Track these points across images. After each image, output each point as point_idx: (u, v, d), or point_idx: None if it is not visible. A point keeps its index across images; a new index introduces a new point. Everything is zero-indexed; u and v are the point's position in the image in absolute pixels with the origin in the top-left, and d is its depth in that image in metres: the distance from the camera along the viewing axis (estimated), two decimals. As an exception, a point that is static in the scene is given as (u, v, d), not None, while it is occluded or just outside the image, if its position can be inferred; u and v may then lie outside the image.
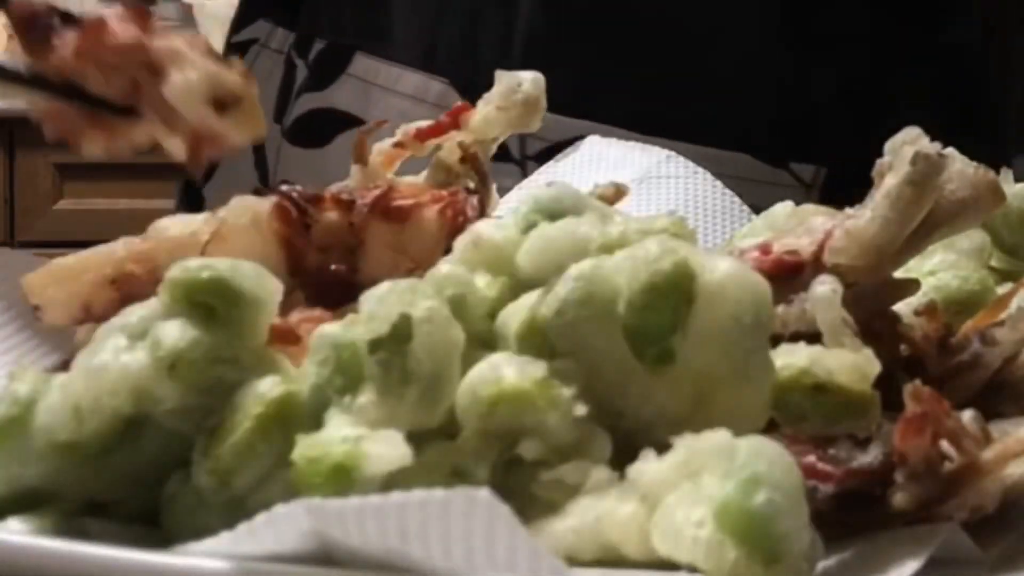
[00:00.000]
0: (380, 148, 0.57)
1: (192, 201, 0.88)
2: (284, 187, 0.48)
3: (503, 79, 0.56)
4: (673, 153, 0.65)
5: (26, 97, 0.55)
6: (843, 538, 0.39)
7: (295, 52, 0.84)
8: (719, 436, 0.35)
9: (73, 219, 2.02)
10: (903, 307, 0.44)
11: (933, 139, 0.43)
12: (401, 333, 0.37)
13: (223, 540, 0.35)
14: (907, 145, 0.42)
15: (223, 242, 0.46)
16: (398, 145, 0.57)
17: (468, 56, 0.76)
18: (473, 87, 0.77)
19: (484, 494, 0.31)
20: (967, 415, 0.39)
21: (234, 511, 0.37)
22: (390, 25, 0.80)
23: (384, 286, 0.38)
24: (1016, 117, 0.76)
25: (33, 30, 0.55)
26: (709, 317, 0.37)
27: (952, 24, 0.73)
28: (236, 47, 0.87)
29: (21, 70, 0.55)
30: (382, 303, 0.37)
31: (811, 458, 0.40)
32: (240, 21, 0.88)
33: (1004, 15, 0.74)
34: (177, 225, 0.47)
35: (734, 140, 0.69)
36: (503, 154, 0.72)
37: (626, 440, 0.38)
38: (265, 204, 0.48)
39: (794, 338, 0.41)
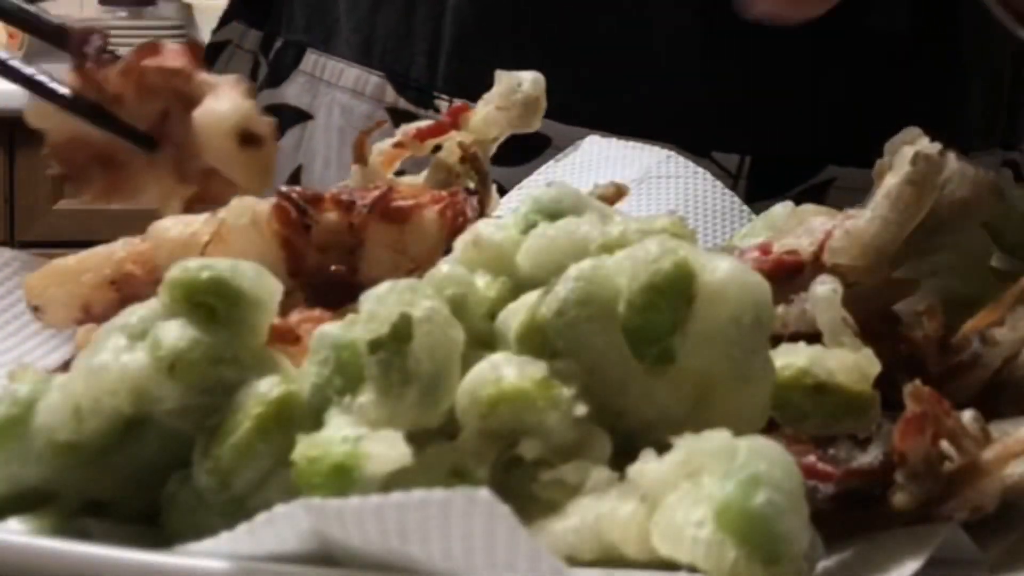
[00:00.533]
0: (380, 148, 0.57)
1: None
2: (284, 188, 0.48)
3: (502, 79, 0.56)
4: (673, 153, 0.65)
5: (48, 124, 0.55)
6: (843, 538, 0.39)
7: (260, 51, 0.86)
8: (719, 436, 0.35)
9: (73, 219, 2.02)
10: (903, 307, 0.44)
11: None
12: (401, 333, 0.37)
13: (223, 540, 0.35)
14: (907, 145, 0.42)
15: (223, 243, 0.46)
16: (398, 145, 0.57)
17: (402, 49, 0.78)
18: (407, 81, 0.78)
19: (484, 494, 0.31)
20: (967, 415, 0.39)
21: (234, 511, 0.37)
22: (336, 22, 0.81)
23: (384, 286, 0.38)
24: (979, 112, 0.76)
25: (86, 44, 0.55)
26: (709, 317, 0.37)
27: (877, 9, 0.72)
28: (212, 48, 0.88)
29: (60, 89, 0.55)
30: (382, 303, 0.37)
31: (811, 458, 0.40)
32: (219, 23, 0.89)
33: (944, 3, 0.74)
34: (177, 226, 0.47)
35: (657, 130, 0.69)
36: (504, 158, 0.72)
37: (626, 440, 0.38)
38: (265, 205, 0.48)
39: (794, 338, 0.41)
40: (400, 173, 0.57)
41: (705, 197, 0.63)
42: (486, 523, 0.31)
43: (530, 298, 0.39)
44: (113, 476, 0.39)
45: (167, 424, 0.38)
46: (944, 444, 0.39)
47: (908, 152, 0.42)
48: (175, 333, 0.37)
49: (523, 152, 0.71)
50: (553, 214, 0.42)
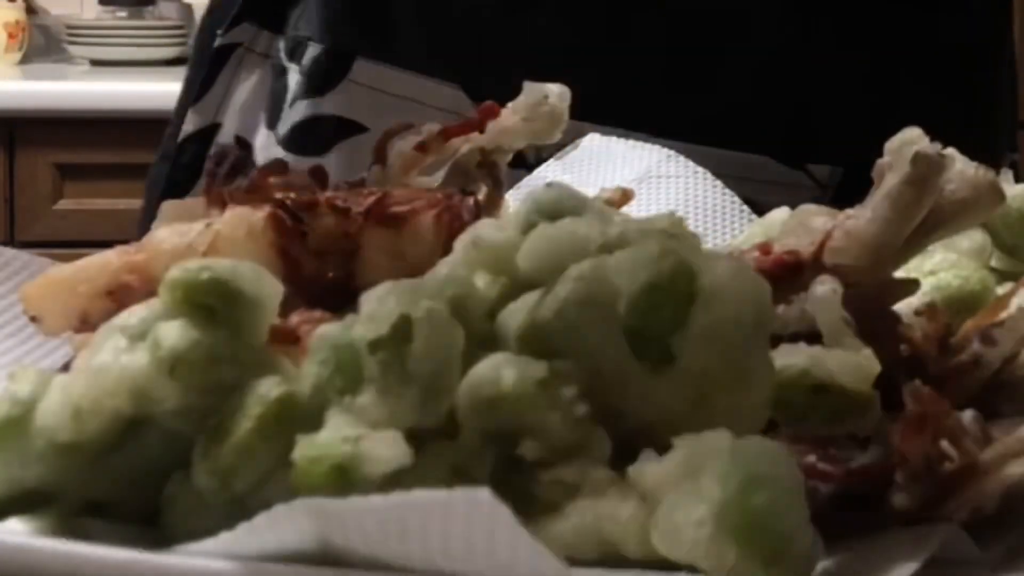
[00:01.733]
0: (400, 151, 0.57)
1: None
2: (279, 195, 0.48)
3: (530, 90, 0.56)
4: (673, 152, 0.65)
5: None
6: (843, 538, 0.39)
7: (286, 57, 0.82)
8: (719, 436, 0.35)
9: (73, 219, 2.02)
10: (903, 307, 0.44)
11: (943, 138, 0.43)
12: (401, 333, 0.37)
13: (223, 540, 0.35)
14: (907, 145, 0.42)
15: (218, 254, 0.46)
16: (420, 147, 0.57)
17: (482, 61, 0.74)
18: (484, 91, 0.75)
19: (485, 494, 0.31)
20: (967, 415, 0.39)
21: (234, 511, 0.37)
22: (392, 29, 0.78)
23: (384, 286, 0.38)
24: (1007, 114, 0.76)
25: (220, 164, 0.54)
26: (709, 317, 0.37)
27: (956, 23, 0.73)
28: (220, 51, 0.84)
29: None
30: (382, 303, 0.37)
31: (811, 458, 0.40)
32: (223, 24, 0.85)
33: (1000, 12, 0.74)
34: (172, 237, 0.47)
35: (752, 142, 0.69)
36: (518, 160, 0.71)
37: (626, 440, 0.38)
38: (260, 214, 0.47)
39: (794, 338, 0.41)
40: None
41: (706, 197, 0.63)
42: (487, 523, 0.31)
43: (530, 298, 0.39)
44: (113, 477, 0.39)
45: (167, 425, 0.38)
46: (944, 444, 0.39)
47: (908, 152, 0.42)
48: (175, 334, 0.37)
49: None
50: (553, 214, 0.42)
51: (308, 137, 0.80)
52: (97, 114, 1.99)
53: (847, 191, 0.71)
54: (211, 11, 0.87)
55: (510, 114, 0.55)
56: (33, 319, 0.49)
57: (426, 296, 0.38)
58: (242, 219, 0.48)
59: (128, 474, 0.39)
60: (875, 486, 0.39)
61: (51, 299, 0.49)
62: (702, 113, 0.72)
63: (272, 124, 0.82)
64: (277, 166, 0.55)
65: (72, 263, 0.50)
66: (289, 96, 0.80)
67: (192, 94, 0.85)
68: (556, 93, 0.55)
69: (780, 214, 0.48)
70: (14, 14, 2.26)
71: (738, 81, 0.71)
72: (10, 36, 2.24)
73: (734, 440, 0.35)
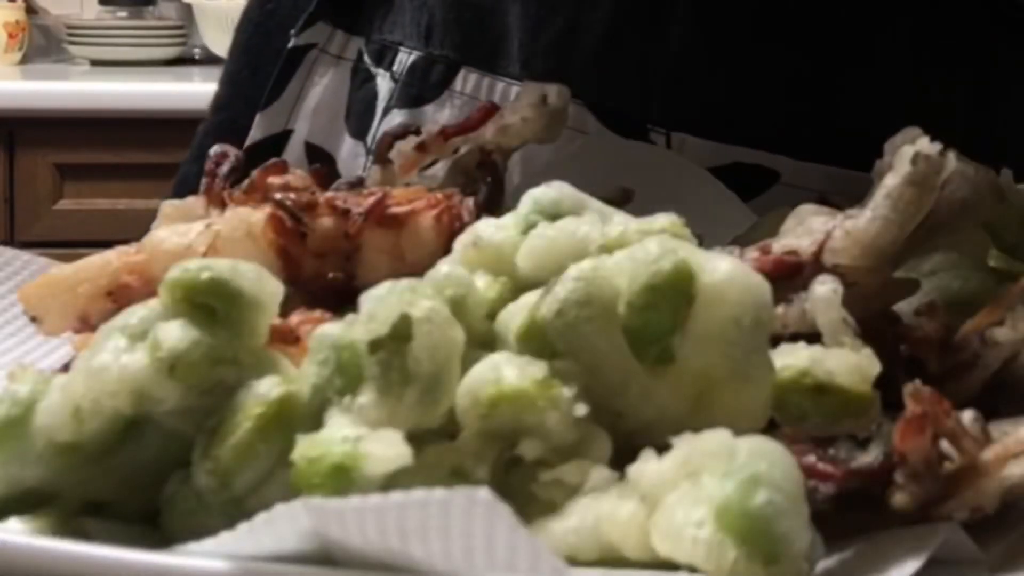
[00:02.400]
0: (401, 150, 0.57)
1: None
2: (278, 195, 0.48)
3: (529, 90, 0.55)
4: (673, 152, 0.65)
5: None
6: (843, 538, 0.39)
7: (372, 62, 0.77)
8: (719, 436, 0.35)
9: (73, 219, 2.01)
10: (903, 307, 0.44)
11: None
12: (401, 333, 0.37)
13: (223, 540, 0.35)
14: (907, 145, 0.42)
15: (218, 255, 0.46)
16: (420, 147, 0.57)
17: (607, 77, 0.69)
18: (615, 111, 0.68)
19: (484, 493, 0.31)
20: (967, 415, 0.39)
21: (234, 511, 0.37)
22: (501, 39, 0.72)
23: (384, 286, 0.38)
24: None
25: (220, 165, 0.54)
26: (709, 317, 0.37)
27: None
28: (294, 52, 0.78)
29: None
30: (382, 303, 0.37)
31: (811, 458, 0.40)
32: (299, 24, 0.77)
33: None
34: (172, 237, 0.47)
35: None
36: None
37: (626, 440, 0.38)
38: (259, 215, 0.47)
39: (794, 338, 0.41)
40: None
41: (706, 197, 0.63)
42: (486, 522, 0.31)
43: (530, 298, 0.39)
44: (113, 477, 0.39)
45: (167, 425, 0.38)
46: (944, 444, 0.39)
47: (908, 152, 0.42)
48: (175, 334, 0.37)
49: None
50: (553, 214, 0.42)
51: None
52: (97, 114, 1.98)
53: None
54: (268, 10, 0.81)
55: (510, 114, 0.55)
56: (33, 319, 0.49)
57: (426, 296, 0.38)
58: (242, 220, 0.48)
59: (128, 474, 0.39)
60: (875, 486, 0.39)
61: (51, 299, 0.49)
62: (831, 134, 0.68)
63: (360, 133, 0.76)
64: (277, 166, 0.55)
65: (72, 264, 0.50)
66: (380, 104, 0.75)
67: (263, 98, 0.78)
68: (555, 93, 0.55)
69: (779, 214, 0.48)
70: (14, 14, 2.26)
71: (864, 101, 0.67)
72: (10, 36, 2.24)
73: (734, 440, 0.35)
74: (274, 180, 0.54)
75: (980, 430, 0.39)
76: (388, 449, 0.35)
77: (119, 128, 1.97)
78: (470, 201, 0.49)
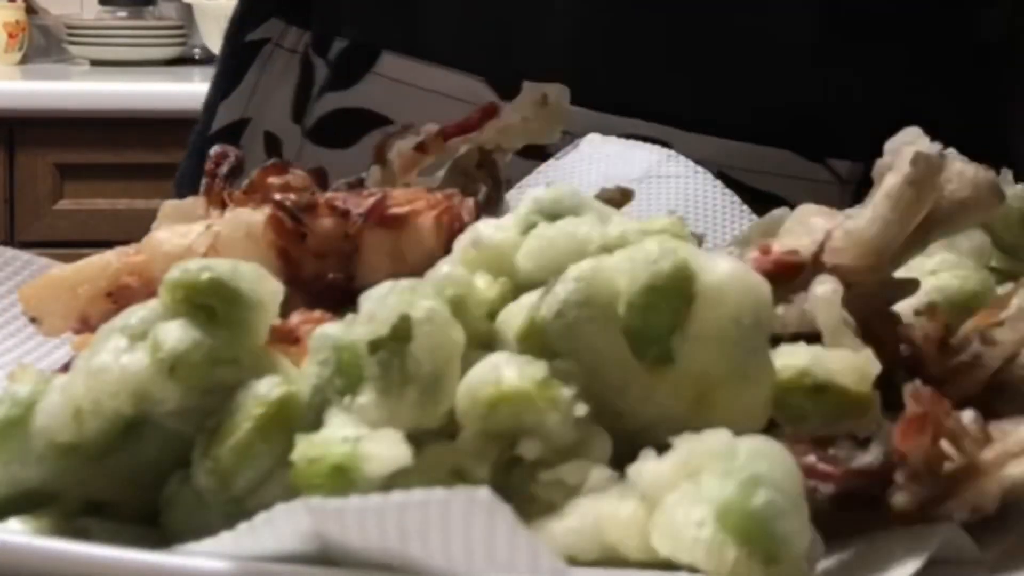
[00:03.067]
0: (400, 150, 0.57)
1: None
2: (278, 196, 0.48)
3: (529, 90, 0.56)
4: (674, 152, 0.65)
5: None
6: (843, 538, 0.39)
7: (313, 51, 0.82)
8: (719, 436, 0.35)
9: (73, 219, 2.02)
10: (903, 307, 0.44)
11: (957, 137, 0.43)
12: (401, 334, 0.37)
13: (223, 540, 0.35)
14: (907, 145, 0.42)
15: (218, 256, 0.46)
16: (420, 148, 0.57)
17: (505, 52, 0.74)
18: (509, 84, 0.74)
19: (484, 493, 0.31)
20: (967, 415, 0.39)
21: (234, 511, 0.37)
22: (418, 22, 0.77)
23: (384, 286, 0.38)
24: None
25: (220, 165, 0.54)
26: (709, 317, 0.38)
27: (981, 21, 0.72)
28: (249, 47, 0.84)
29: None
30: (382, 303, 0.37)
31: (811, 458, 0.40)
32: (251, 20, 0.85)
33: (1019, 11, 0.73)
34: (172, 238, 0.47)
35: (773, 136, 0.68)
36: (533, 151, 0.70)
37: (626, 440, 0.38)
38: (259, 216, 0.47)
39: (794, 338, 0.41)
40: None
41: (706, 196, 0.63)
42: (486, 522, 0.31)
43: (530, 299, 0.39)
44: (113, 477, 0.39)
45: (167, 425, 0.38)
46: (944, 444, 0.39)
47: (908, 152, 0.42)
48: (176, 335, 0.37)
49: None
50: (553, 214, 0.42)
51: (334, 130, 0.80)
52: (97, 114, 1.98)
53: (867, 186, 0.70)
54: (241, 9, 0.86)
55: (509, 113, 0.55)
56: (33, 320, 0.49)
57: (426, 296, 0.38)
58: (242, 221, 0.48)
59: (128, 474, 0.39)
60: (875, 486, 0.39)
61: (50, 300, 0.49)
62: (723, 107, 0.71)
63: (298, 118, 0.82)
64: (277, 166, 0.55)
65: (71, 264, 0.50)
66: (315, 89, 0.80)
67: (221, 90, 0.85)
68: (555, 92, 0.55)
69: (780, 213, 0.48)
70: (14, 14, 2.26)
71: (759, 75, 0.71)
72: (10, 36, 2.24)
73: (734, 440, 0.35)
74: (274, 180, 0.54)
75: (980, 430, 0.39)
76: (388, 449, 0.35)
77: (119, 128, 1.97)
78: (470, 201, 0.49)
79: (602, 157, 0.66)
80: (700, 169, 0.64)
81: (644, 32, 0.71)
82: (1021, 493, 0.39)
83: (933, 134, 0.43)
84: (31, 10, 2.33)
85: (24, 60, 2.28)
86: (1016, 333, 0.41)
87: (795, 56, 0.71)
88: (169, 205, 0.55)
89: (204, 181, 0.55)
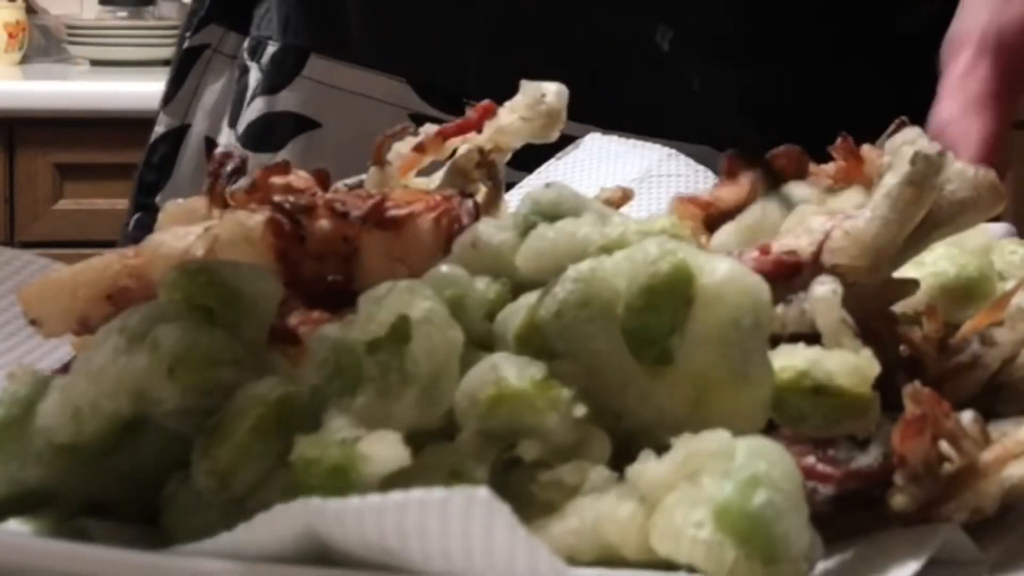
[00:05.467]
0: (399, 151, 0.57)
1: (144, 208, 0.86)
2: (277, 198, 0.48)
3: (527, 89, 0.56)
4: (674, 151, 0.65)
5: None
6: (843, 539, 0.39)
7: (248, 56, 0.83)
8: (718, 436, 0.35)
9: (73, 219, 2.01)
10: (902, 306, 0.44)
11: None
12: (399, 334, 0.37)
13: (221, 540, 0.35)
14: (907, 145, 0.42)
15: (216, 258, 0.46)
16: (419, 149, 0.57)
17: (426, 53, 0.75)
18: (433, 86, 0.75)
19: (483, 493, 0.31)
20: (966, 416, 0.39)
21: (233, 512, 0.37)
22: (345, 26, 0.78)
23: (383, 287, 0.38)
24: None
25: (223, 166, 0.54)
26: (708, 318, 0.37)
27: (906, 15, 0.73)
28: (189, 53, 0.84)
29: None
30: (380, 304, 0.37)
31: (810, 459, 0.40)
32: (192, 25, 0.85)
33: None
34: (171, 241, 0.47)
35: (695, 133, 0.69)
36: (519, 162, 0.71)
37: (625, 441, 0.38)
38: (257, 218, 0.47)
39: (793, 339, 0.41)
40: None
41: (705, 196, 0.63)
42: (485, 522, 0.31)
43: (529, 299, 0.39)
44: (112, 477, 0.39)
45: (167, 425, 0.38)
46: (944, 446, 0.39)
47: (908, 152, 0.42)
48: (175, 335, 0.37)
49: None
50: (552, 215, 0.42)
51: (264, 134, 0.81)
52: (97, 114, 1.98)
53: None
54: (188, 16, 0.87)
55: (507, 113, 0.55)
56: (32, 322, 0.49)
57: (425, 297, 0.38)
58: (240, 223, 0.48)
59: (127, 474, 0.39)
60: (874, 487, 0.39)
61: (50, 302, 0.49)
62: (647, 106, 0.72)
63: (233, 122, 0.82)
64: (280, 167, 0.55)
65: (71, 266, 0.50)
66: (248, 94, 0.81)
67: (164, 96, 0.86)
68: (554, 92, 0.55)
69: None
70: (14, 14, 2.26)
71: (682, 72, 0.71)
72: (10, 36, 2.24)
73: (733, 440, 0.35)
74: (276, 180, 0.54)
75: (979, 431, 0.39)
76: (386, 450, 0.35)
77: (119, 128, 1.97)
78: (469, 203, 0.49)
79: (603, 156, 0.66)
80: (701, 168, 0.64)
81: (567, 33, 0.72)
82: (1021, 494, 0.39)
83: (860, 126, 0.43)
84: (31, 10, 2.33)
85: (24, 60, 2.28)
86: (1015, 334, 0.41)
87: (709, 53, 0.71)
88: (173, 204, 0.55)
89: (207, 181, 0.55)
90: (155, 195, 0.85)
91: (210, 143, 0.84)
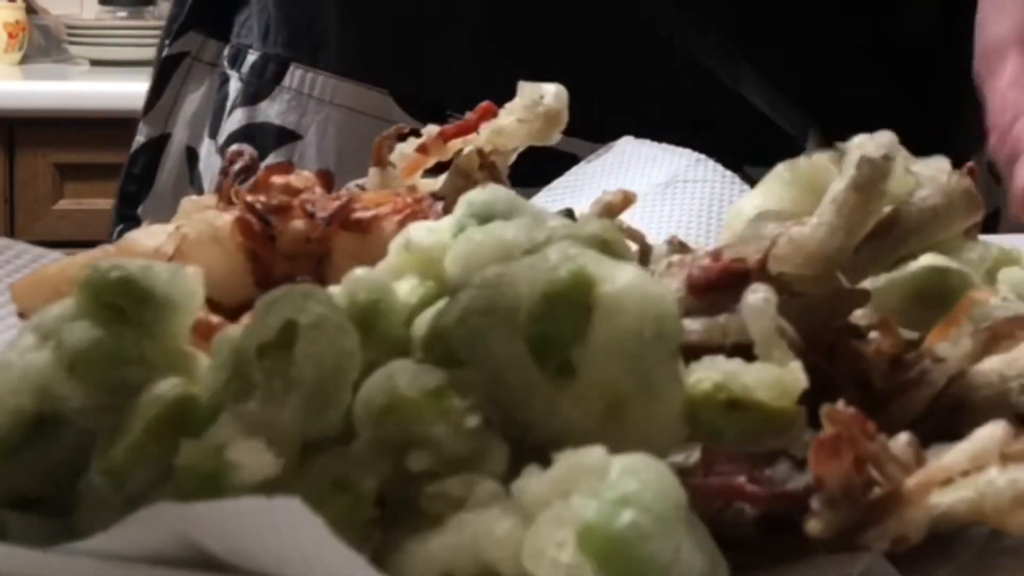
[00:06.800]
0: (402, 152, 0.57)
1: (127, 219, 0.86)
2: (248, 198, 0.48)
3: (525, 90, 0.55)
4: (703, 156, 0.63)
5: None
6: (766, 565, 0.37)
7: (228, 64, 0.82)
8: (595, 453, 0.34)
9: (73, 219, 2.02)
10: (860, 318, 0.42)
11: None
12: (286, 339, 0.36)
13: (98, 540, 0.35)
14: (856, 149, 0.39)
15: (186, 258, 0.46)
16: (421, 149, 0.56)
17: (408, 65, 0.74)
18: (415, 98, 0.74)
19: (295, 503, 0.30)
20: (901, 439, 0.37)
21: (130, 512, 0.37)
22: (325, 36, 0.77)
23: (279, 290, 0.37)
24: (979, 114, 0.71)
25: (233, 163, 0.55)
26: (610, 329, 0.36)
27: (907, 18, 0.69)
28: (168, 61, 0.84)
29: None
30: (272, 308, 0.37)
31: (741, 479, 0.38)
32: (172, 33, 0.85)
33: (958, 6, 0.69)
34: (144, 239, 0.47)
35: (688, 144, 0.66)
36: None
37: (536, 454, 0.37)
38: (227, 218, 0.47)
39: (736, 349, 0.39)
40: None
41: (732, 201, 0.61)
42: (299, 533, 0.30)
43: (442, 305, 0.38)
44: (30, 473, 0.39)
45: (78, 422, 0.39)
46: (871, 470, 0.36)
47: (855, 156, 0.39)
48: (78, 333, 0.38)
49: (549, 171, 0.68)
50: (484, 217, 0.41)
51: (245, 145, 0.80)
52: (97, 114, 1.96)
53: None
54: (167, 22, 0.87)
55: (505, 115, 0.54)
56: (21, 315, 0.50)
57: (318, 301, 0.37)
58: (208, 223, 0.48)
59: (45, 470, 0.39)
60: (797, 511, 0.37)
61: (38, 296, 0.50)
62: (640, 119, 0.69)
63: (213, 133, 0.82)
64: (283, 166, 0.55)
65: (59, 260, 0.51)
66: (229, 103, 0.80)
67: (144, 105, 0.86)
68: (553, 93, 0.53)
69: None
70: (14, 14, 2.24)
71: (671, 87, 0.69)
72: (10, 36, 2.24)
73: (609, 457, 0.33)
74: (277, 180, 0.54)
75: (913, 455, 0.36)
76: (256, 458, 0.34)
77: (119, 128, 2.00)
78: (439, 205, 0.48)
79: (632, 160, 0.64)
80: (728, 173, 0.62)
81: (553, 43, 0.70)
82: (952, 523, 0.36)
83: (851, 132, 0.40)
84: (31, 10, 2.32)
85: (24, 60, 2.26)
86: (958, 349, 0.38)
87: (707, 63, 0.68)
88: (189, 201, 0.56)
89: (218, 178, 0.56)
90: (137, 206, 0.86)
91: (191, 153, 0.84)
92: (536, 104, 0.53)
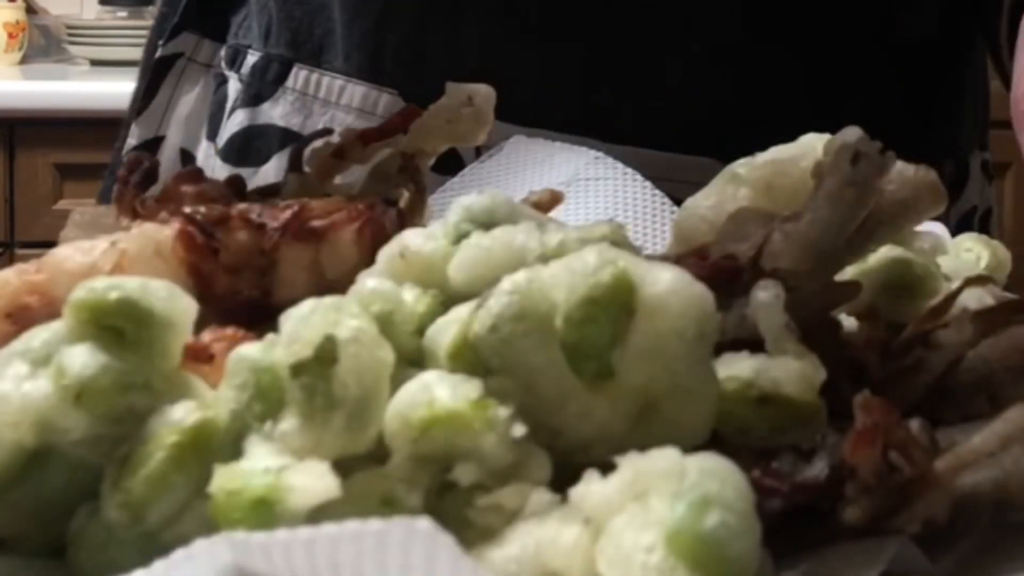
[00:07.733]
0: (318, 156, 0.54)
1: None
2: (187, 209, 0.45)
3: (453, 91, 0.53)
4: (601, 154, 0.64)
5: None
6: (791, 555, 0.38)
7: (226, 65, 0.79)
8: (667, 455, 0.33)
9: (73, 220, 1.96)
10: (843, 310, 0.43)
11: (891, 136, 0.42)
12: (326, 356, 0.34)
13: (137, 578, 0.32)
14: (847, 145, 0.41)
15: (125, 274, 0.43)
16: (338, 152, 0.54)
17: (418, 64, 0.72)
18: (423, 97, 0.73)
19: (424, 524, 0.28)
20: (915, 424, 0.38)
21: (147, 546, 0.34)
22: (329, 36, 0.75)
23: (307, 305, 0.35)
24: (973, 113, 0.75)
25: (134, 171, 0.51)
26: (650, 330, 0.36)
27: (910, 18, 0.72)
28: (162, 62, 0.81)
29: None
30: (305, 323, 0.35)
31: (755, 473, 0.39)
32: (164, 34, 0.81)
33: (958, 7, 0.73)
34: (75, 256, 0.44)
35: (695, 144, 0.67)
36: (454, 163, 0.69)
37: (565, 459, 0.36)
38: (168, 231, 0.45)
39: (734, 345, 0.40)
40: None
41: (635, 199, 0.61)
42: (426, 554, 0.29)
43: (460, 312, 0.37)
44: (16, 511, 0.36)
45: (74, 455, 0.36)
46: (893, 455, 0.37)
47: (848, 152, 0.40)
48: (81, 359, 0.35)
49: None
50: (486, 223, 0.40)
51: (246, 148, 0.77)
52: (97, 114, 1.94)
53: None
54: (157, 22, 0.83)
55: (431, 116, 0.53)
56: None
57: (352, 315, 0.35)
58: (150, 237, 0.45)
59: (33, 508, 0.36)
60: (822, 500, 0.38)
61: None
62: (644, 117, 0.70)
63: (212, 135, 0.79)
64: (191, 174, 0.52)
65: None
66: (228, 105, 0.77)
67: (135, 107, 0.82)
68: (481, 94, 0.53)
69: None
70: (14, 14, 2.22)
71: (680, 83, 0.70)
72: (10, 36, 2.20)
73: (683, 459, 0.33)
74: (188, 188, 0.51)
75: (928, 439, 0.38)
76: (314, 481, 0.32)
77: (119, 128, 1.92)
78: (393, 212, 0.47)
79: (527, 160, 0.64)
80: (629, 171, 0.62)
81: (560, 42, 0.70)
82: (973, 503, 0.37)
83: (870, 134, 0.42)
84: (31, 10, 2.29)
85: (24, 60, 2.24)
86: (960, 336, 0.40)
87: (715, 63, 0.70)
88: (79, 212, 0.52)
89: (116, 188, 0.52)
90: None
91: (186, 155, 0.80)
92: (463, 105, 0.53)
